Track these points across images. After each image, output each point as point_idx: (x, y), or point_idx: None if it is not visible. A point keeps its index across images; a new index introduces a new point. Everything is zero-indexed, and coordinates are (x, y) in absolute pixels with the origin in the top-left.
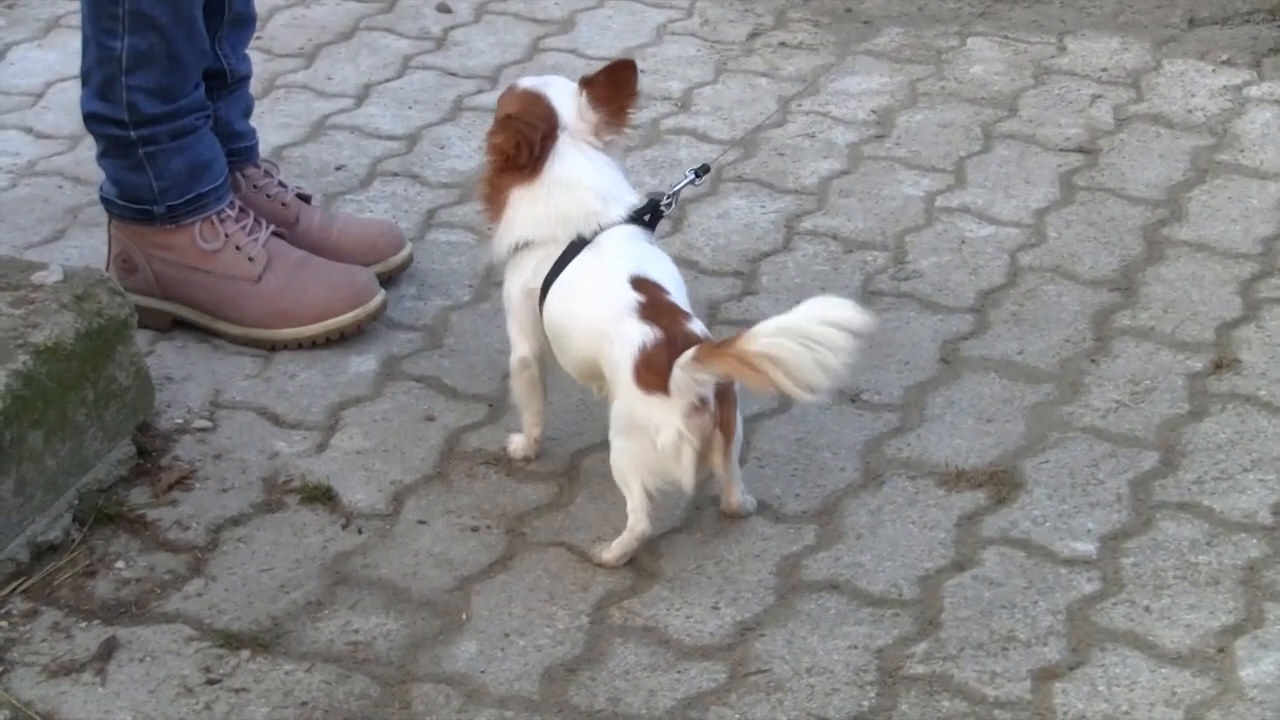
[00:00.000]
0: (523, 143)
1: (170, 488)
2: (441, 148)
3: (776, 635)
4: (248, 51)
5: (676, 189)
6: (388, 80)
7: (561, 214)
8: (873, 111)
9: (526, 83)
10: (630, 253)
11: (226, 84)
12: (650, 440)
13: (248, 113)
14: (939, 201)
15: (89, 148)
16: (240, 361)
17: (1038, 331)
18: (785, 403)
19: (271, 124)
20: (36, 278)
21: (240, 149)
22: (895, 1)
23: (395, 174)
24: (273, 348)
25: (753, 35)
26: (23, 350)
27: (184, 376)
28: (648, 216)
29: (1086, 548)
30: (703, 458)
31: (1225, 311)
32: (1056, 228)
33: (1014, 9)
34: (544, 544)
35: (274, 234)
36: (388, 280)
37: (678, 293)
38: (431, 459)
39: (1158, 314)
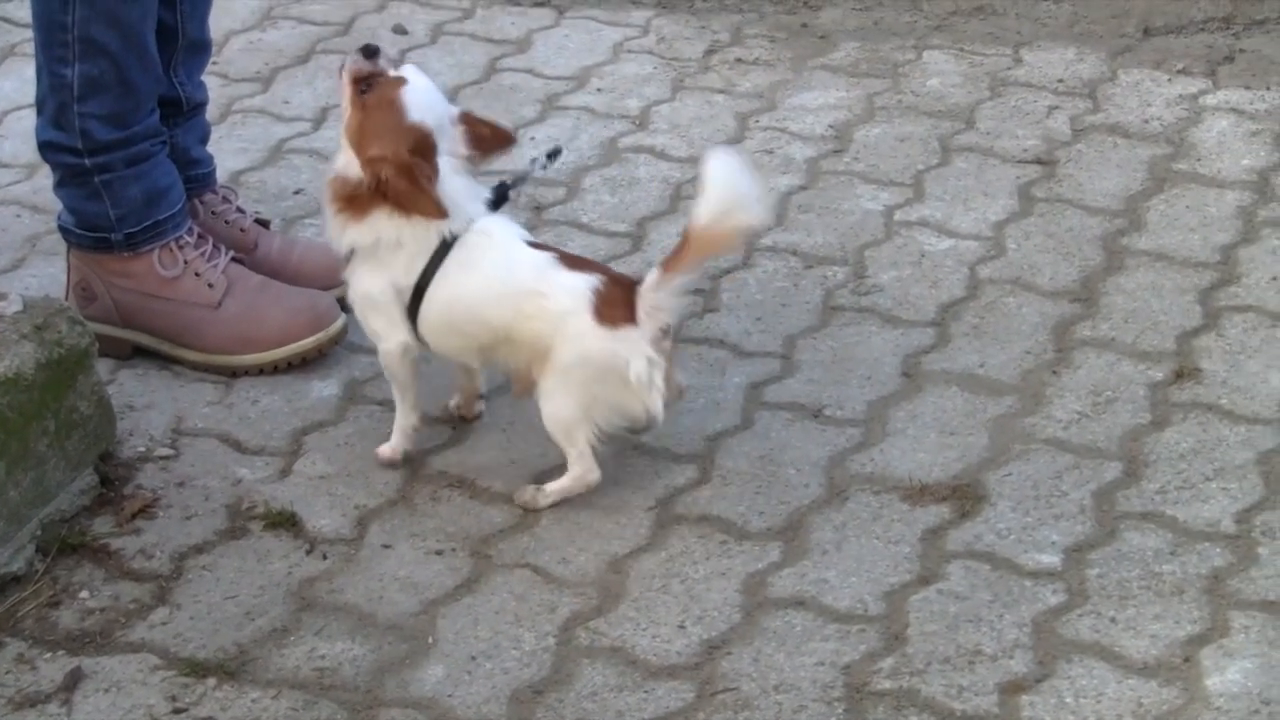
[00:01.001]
0: (420, 191)
1: (133, 516)
2: None
3: (743, 653)
4: (203, 78)
5: (526, 175)
6: None
7: (436, 226)
8: (830, 126)
9: (412, 106)
10: (511, 229)
11: (182, 111)
12: (620, 375)
13: (204, 139)
14: (898, 215)
15: (46, 176)
16: (201, 388)
17: (999, 344)
18: (747, 419)
19: (229, 149)
20: None
21: (197, 175)
22: (851, 16)
23: None
24: (234, 374)
25: (709, 52)
26: None
27: (145, 404)
28: (495, 200)
29: (1051, 560)
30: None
31: (1185, 320)
32: (1016, 239)
33: (969, 22)
34: (509, 566)
35: (233, 260)
36: (347, 305)
37: None
38: (395, 483)
39: (1118, 324)
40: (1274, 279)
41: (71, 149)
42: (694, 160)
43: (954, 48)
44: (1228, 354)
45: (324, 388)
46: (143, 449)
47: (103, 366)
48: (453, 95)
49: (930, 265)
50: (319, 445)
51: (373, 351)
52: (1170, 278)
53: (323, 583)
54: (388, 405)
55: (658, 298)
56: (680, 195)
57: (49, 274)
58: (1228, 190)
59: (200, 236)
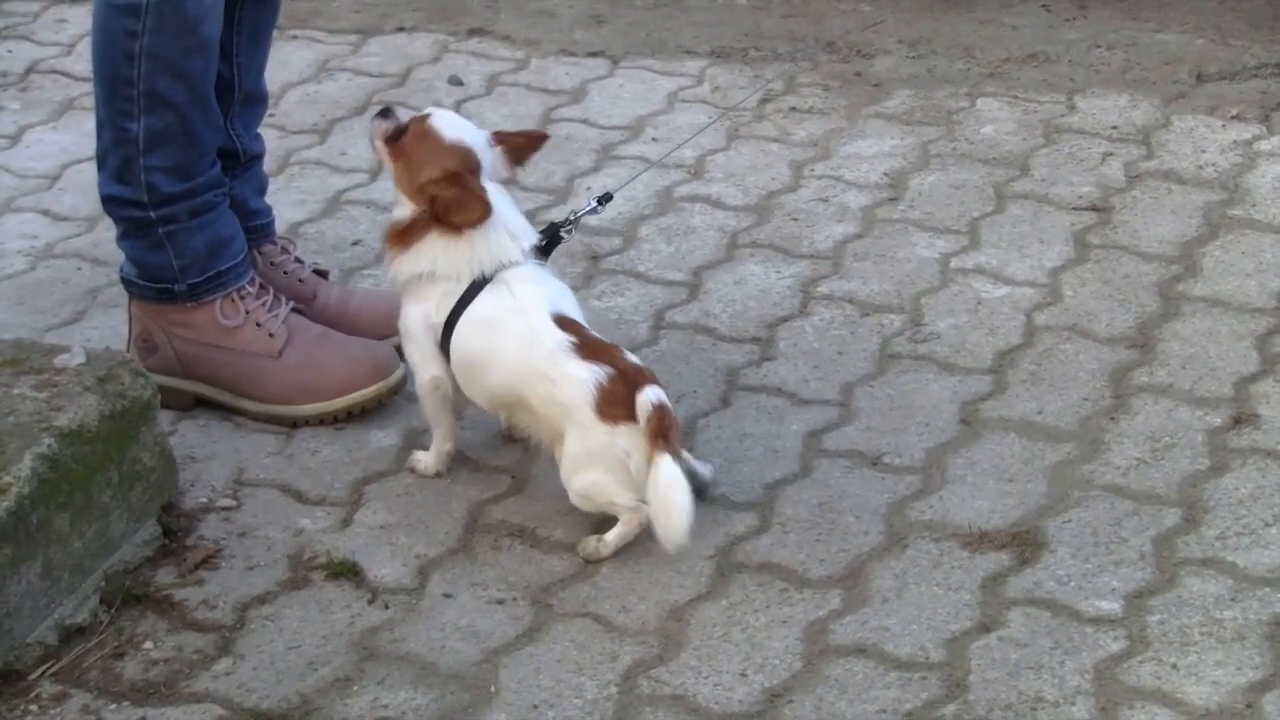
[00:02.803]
0: (467, 191)
1: (196, 567)
2: None
3: (805, 701)
4: (260, 130)
5: (578, 215)
6: None
7: (476, 255)
8: (885, 174)
9: (446, 129)
10: (543, 292)
11: (240, 162)
12: (624, 466)
13: (262, 190)
14: (954, 263)
15: (106, 229)
16: (262, 439)
17: (1056, 391)
18: (806, 467)
19: (287, 200)
20: (59, 361)
21: (256, 226)
22: (904, 64)
23: None
24: (294, 424)
25: (763, 101)
26: (47, 434)
27: (207, 455)
28: (545, 243)
29: (1111, 606)
30: None
31: (1243, 366)
32: (1072, 286)
33: (1023, 69)
34: (570, 615)
35: (293, 310)
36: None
37: (590, 327)
38: (455, 532)
39: (1175, 370)
40: None
41: (136, 202)
42: (749, 209)
43: (1007, 95)
44: None
45: (383, 437)
46: (205, 500)
47: (164, 418)
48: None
49: (987, 312)
50: (379, 495)
51: None
52: (1227, 324)
53: (385, 632)
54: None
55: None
56: (736, 244)
57: (110, 326)
58: None
59: (261, 287)
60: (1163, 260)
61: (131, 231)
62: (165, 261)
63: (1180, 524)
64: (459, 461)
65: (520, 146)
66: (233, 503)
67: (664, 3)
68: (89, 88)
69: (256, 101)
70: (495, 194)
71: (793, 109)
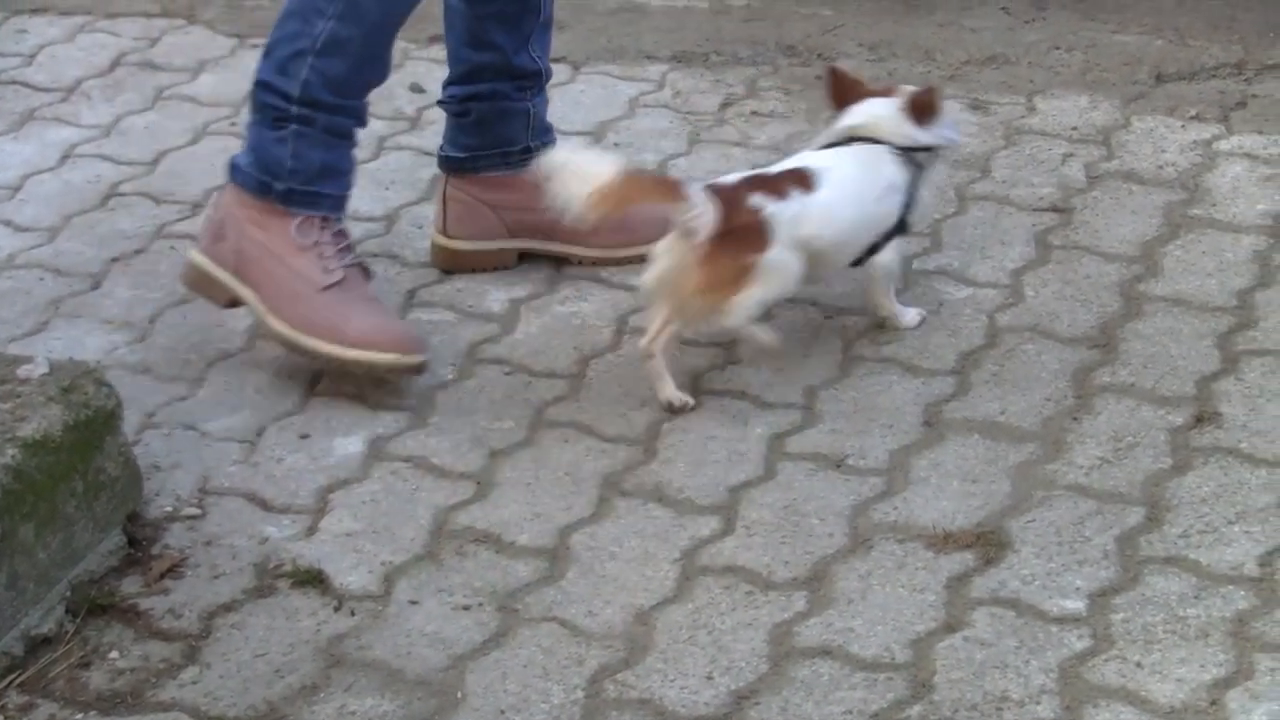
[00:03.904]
0: None
1: (162, 576)
2: (420, 227)
3: (771, 703)
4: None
5: None
6: (364, 161)
7: None
8: None
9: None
10: None
11: (541, 82)
12: None
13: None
14: (916, 264)
15: (68, 238)
16: (227, 448)
17: (1019, 391)
18: (770, 470)
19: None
20: (22, 371)
21: (543, 144)
22: (865, 66)
23: (375, 255)
24: (309, 358)
25: (724, 105)
26: (11, 444)
27: (171, 465)
28: None
29: (1076, 605)
30: None
31: (1204, 365)
32: (1033, 287)
33: (982, 71)
34: (536, 620)
35: (363, 271)
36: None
37: None
38: (421, 539)
39: (1137, 370)
40: None
41: (286, 94)
42: None
43: (968, 97)
44: (1247, 398)
45: (348, 444)
46: (170, 509)
47: (128, 426)
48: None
49: (949, 314)
50: (345, 502)
51: (396, 407)
52: (1188, 323)
53: (351, 639)
54: (412, 461)
55: None
56: None
57: (72, 336)
58: (1244, 235)
59: (342, 233)
60: (1124, 260)
61: (266, 120)
62: (281, 157)
63: (1143, 523)
64: (423, 468)
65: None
66: (198, 511)
67: (625, 8)
68: (50, 98)
69: (549, 27)
70: None
71: (754, 113)
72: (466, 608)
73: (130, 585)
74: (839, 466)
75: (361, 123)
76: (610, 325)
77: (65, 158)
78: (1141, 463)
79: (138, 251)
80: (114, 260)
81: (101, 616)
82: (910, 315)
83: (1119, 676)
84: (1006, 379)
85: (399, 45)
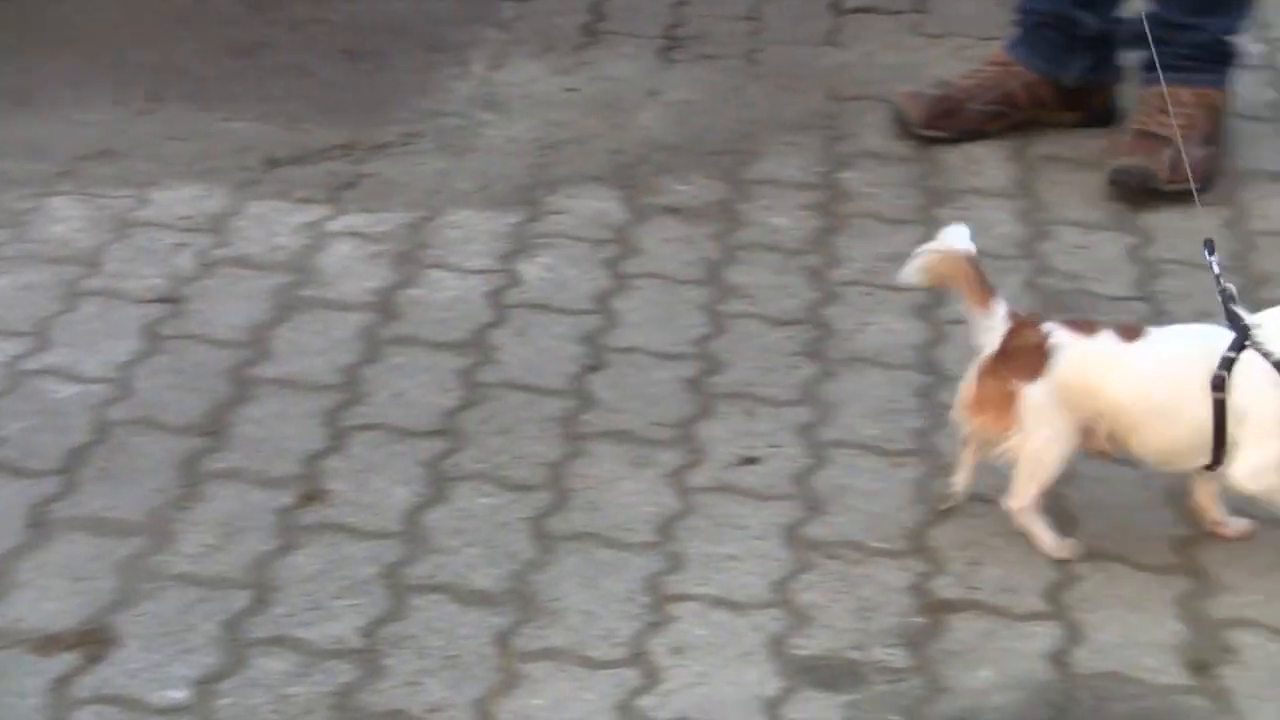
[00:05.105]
0: None
1: None
2: None
3: None
4: None
5: None
6: None
7: None
8: None
9: None
10: None
11: None
12: None
13: None
14: (22, 365)
15: None
16: None
17: (128, 485)
18: None
19: None
20: None
21: None
22: None
23: None
24: None
25: None
26: None
27: None
28: None
29: (179, 695)
30: None
31: (311, 444)
32: (143, 378)
33: (96, 165)
34: None
35: None
36: None
37: None
38: None
39: (248, 453)
40: (396, 395)
41: None
42: None
43: (80, 193)
44: (354, 473)
45: None
46: None
47: None
48: None
49: (56, 413)
50: None
51: None
52: (297, 403)
53: None
54: None
55: None
56: None
57: None
58: (351, 312)
59: None
60: (234, 345)
61: None
62: None
63: (250, 605)
64: None
65: None
66: None
67: None
68: None
69: None
70: None
71: None
72: None
73: None
74: None
75: None
76: None
77: None
78: (249, 545)
79: None
80: None
81: None
82: None
83: None
84: (115, 473)
85: None
